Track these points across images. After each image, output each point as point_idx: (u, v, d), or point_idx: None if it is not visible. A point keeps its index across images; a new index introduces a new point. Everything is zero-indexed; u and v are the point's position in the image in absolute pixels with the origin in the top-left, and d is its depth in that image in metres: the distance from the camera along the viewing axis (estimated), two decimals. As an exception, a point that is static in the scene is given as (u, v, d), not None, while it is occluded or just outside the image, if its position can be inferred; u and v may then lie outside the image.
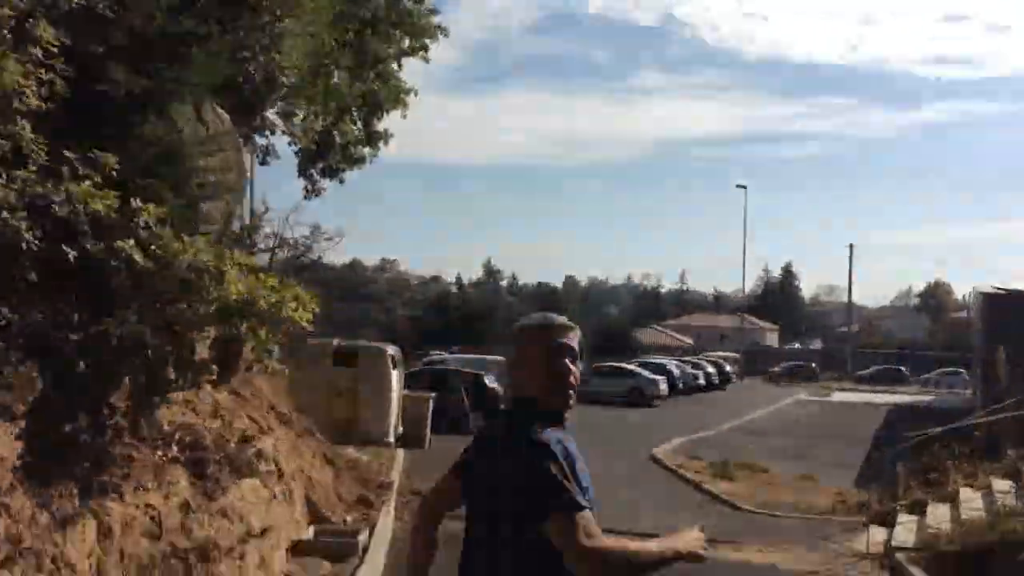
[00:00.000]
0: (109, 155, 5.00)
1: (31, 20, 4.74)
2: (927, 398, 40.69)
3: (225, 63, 7.25)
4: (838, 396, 40.67)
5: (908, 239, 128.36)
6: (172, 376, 5.73)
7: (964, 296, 74.30)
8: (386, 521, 8.84)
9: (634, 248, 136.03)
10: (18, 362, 4.47)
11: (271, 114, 12.73)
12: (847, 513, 11.34)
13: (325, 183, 15.77)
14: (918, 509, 9.99)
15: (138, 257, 4.99)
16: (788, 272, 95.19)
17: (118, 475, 4.37)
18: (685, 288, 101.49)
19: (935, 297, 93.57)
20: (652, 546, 2.21)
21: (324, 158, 15.01)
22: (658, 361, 39.16)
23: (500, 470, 2.29)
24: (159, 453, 4.95)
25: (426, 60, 14.69)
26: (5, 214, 4.27)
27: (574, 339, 2.40)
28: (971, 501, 9.49)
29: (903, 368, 55.60)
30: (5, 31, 4.56)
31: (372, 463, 11.91)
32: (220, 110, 8.28)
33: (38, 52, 4.66)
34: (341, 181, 15.69)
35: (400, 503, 10.02)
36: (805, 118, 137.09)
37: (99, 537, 3.79)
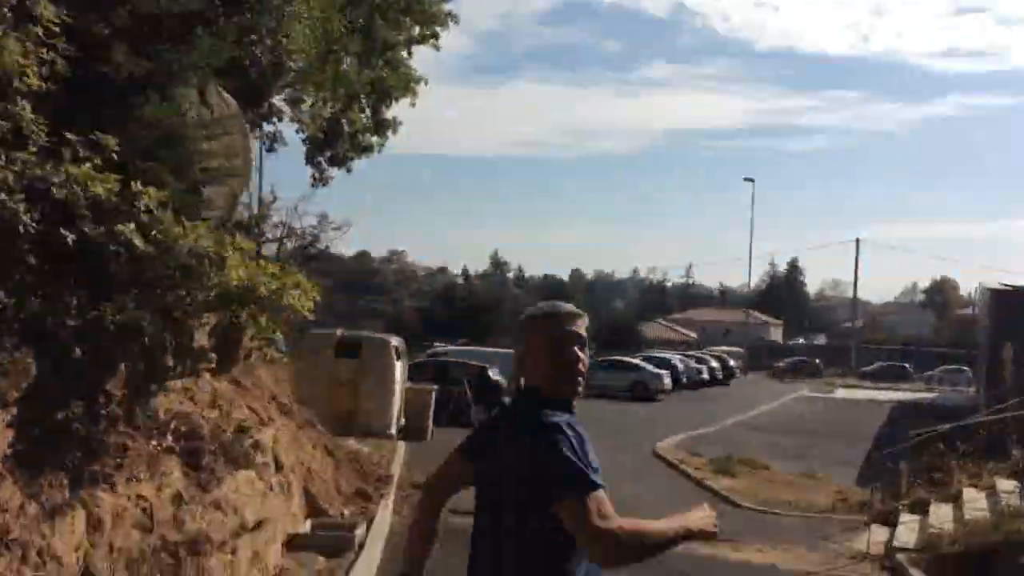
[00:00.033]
0: (109, 137, 4.94)
1: (32, -3, 4.66)
2: (931, 395, 40.58)
3: (230, 45, 7.15)
4: (841, 393, 40.58)
5: (915, 234, 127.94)
6: (170, 364, 5.69)
7: (970, 293, 74.21)
8: (384, 515, 8.77)
9: (641, 241, 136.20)
10: (13, 348, 4.41)
11: (278, 100, 12.64)
12: (848, 512, 11.27)
13: (333, 172, 15.72)
14: (920, 509, 9.91)
15: (138, 241, 4.93)
16: (794, 267, 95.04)
17: (111, 465, 4.32)
18: (691, 282, 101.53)
19: (941, 293, 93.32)
20: (664, 525, 2.21)
21: (332, 146, 14.93)
22: (662, 355, 39.09)
23: (509, 454, 2.29)
24: (154, 442, 4.90)
25: (436, 48, 14.56)
26: (3, 196, 4.20)
27: (582, 326, 2.41)
28: (975, 501, 9.41)
29: (907, 365, 55.44)
30: (5, 9, 4.48)
31: (373, 455, 11.86)
32: (226, 94, 8.17)
33: (39, 31, 4.58)
34: (349, 170, 15.64)
35: (399, 497, 9.96)
36: (814, 111, 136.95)
37: (88, 529, 3.74)
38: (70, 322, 4.65)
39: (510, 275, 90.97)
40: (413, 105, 14.61)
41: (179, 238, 5.32)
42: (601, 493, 2.15)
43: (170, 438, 5.02)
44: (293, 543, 6.82)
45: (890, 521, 9.86)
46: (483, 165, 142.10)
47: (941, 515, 9.36)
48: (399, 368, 16.34)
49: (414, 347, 27.08)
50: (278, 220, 24.49)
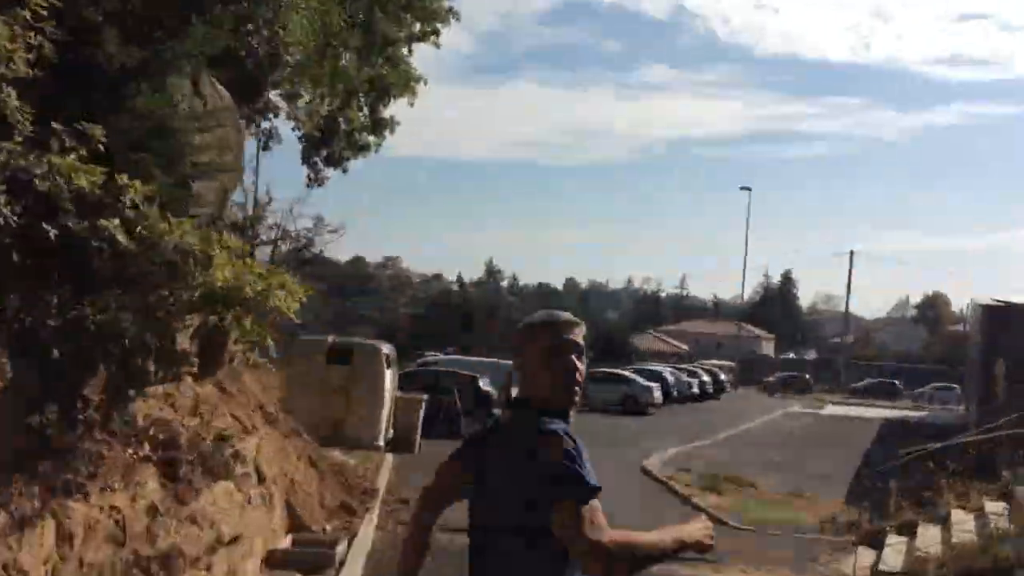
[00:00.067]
0: (96, 127, 4.82)
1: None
2: (920, 413, 40.58)
3: (226, 34, 7.02)
4: (831, 409, 40.55)
5: (910, 246, 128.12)
6: (151, 367, 5.56)
7: (962, 309, 74.33)
8: (367, 530, 8.59)
9: (636, 249, 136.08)
10: (-11, 347, 4.32)
11: (275, 96, 12.53)
12: (836, 531, 11.17)
13: (329, 172, 15.60)
14: (908, 530, 9.83)
15: (121, 237, 4.82)
16: (787, 279, 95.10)
17: (84, 474, 4.22)
18: (685, 293, 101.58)
19: (933, 308, 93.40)
20: (656, 537, 2.18)
21: (328, 145, 14.79)
22: (654, 368, 39.00)
23: (505, 463, 2.27)
24: (130, 451, 4.80)
25: (437, 45, 14.41)
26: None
27: (580, 335, 2.40)
28: (963, 523, 9.33)
29: (897, 382, 55.50)
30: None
31: (359, 468, 11.71)
32: (220, 86, 8.02)
33: (27, 15, 4.45)
34: (345, 170, 15.53)
35: (384, 511, 9.80)
36: (814, 118, 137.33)
37: (58, 542, 3.63)
38: (51, 321, 4.55)
39: (504, 283, 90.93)
40: (412, 104, 14.48)
41: (164, 234, 5.19)
42: (595, 503, 2.13)
43: (147, 446, 4.92)
44: (272, 559, 6.64)
45: (877, 542, 9.77)
46: (481, 168, 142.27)
47: (928, 537, 9.28)
48: (389, 376, 16.18)
49: (406, 355, 26.93)
50: (273, 222, 24.24)
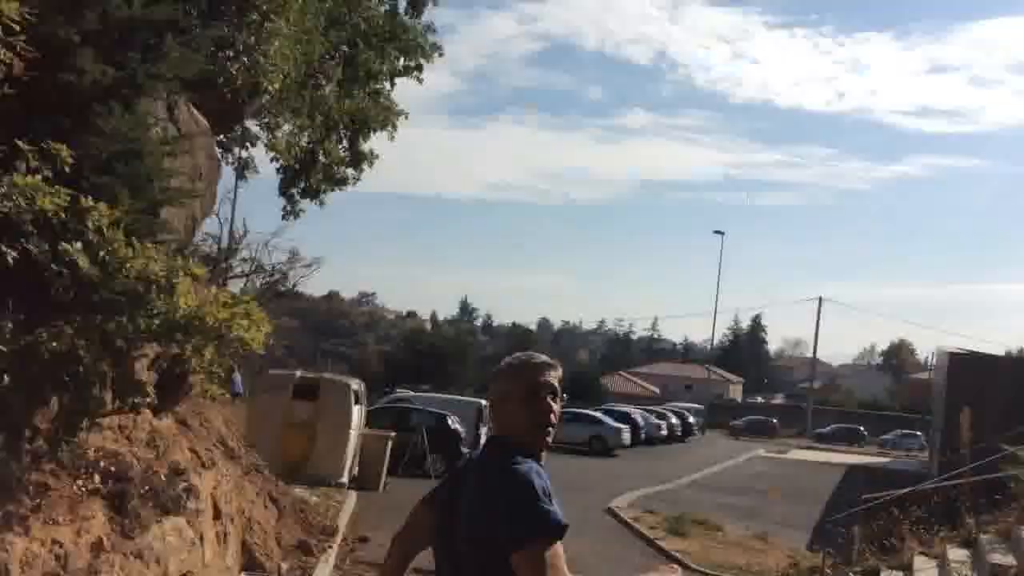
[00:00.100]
0: (63, 147, 4.72)
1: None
2: (884, 460, 40.85)
3: (203, 57, 6.96)
4: (796, 454, 40.72)
5: (876, 295, 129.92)
6: (106, 398, 5.42)
7: (927, 358, 75.29)
8: (324, 570, 8.38)
9: (610, 291, 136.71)
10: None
11: (253, 125, 12.46)
12: (799, 576, 11.16)
13: (305, 203, 15.51)
14: (871, 576, 9.82)
15: (83, 262, 4.72)
16: (757, 324, 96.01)
17: (28, 505, 4.07)
18: (656, 335, 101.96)
19: (898, 356, 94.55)
20: None
21: (306, 177, 14.72)
22: (623, 409, 38.94)
23: (475, 502, 2.28)
24: (79, 482, 4.65)
25: (419, 80, 14.48)
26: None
27: (556, 377, 2.44)
28: (925, 570, 9.33)
29: (862, 428, 55.89)
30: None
31: (320, 505, 11.48)
32: (196, 112, 7.94)
33: None
34: (321, 203, 15.45)
35: (343, 550, 9.60)
36: (786, 166, 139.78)
37: (-7, 577, 3.49)
38: (2, 347, 4.43)
39: (478, 322, 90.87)
40: (392, 139, 14.49)
41: (128, 260, 5.09)
42: (559, 548, 2.14)
43: (97, 479, 4.77)
44: (224, 596, 6.47)
45: (841, 588, 9.73)
46: (459, 207, 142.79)
47: (892, 583, 9.27)
48: (357, 413, 15.95)
49: (377, 392, 26.65)
50: (248, 255, 23.92)
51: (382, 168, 15.23)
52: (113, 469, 5.05)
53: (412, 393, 30.01)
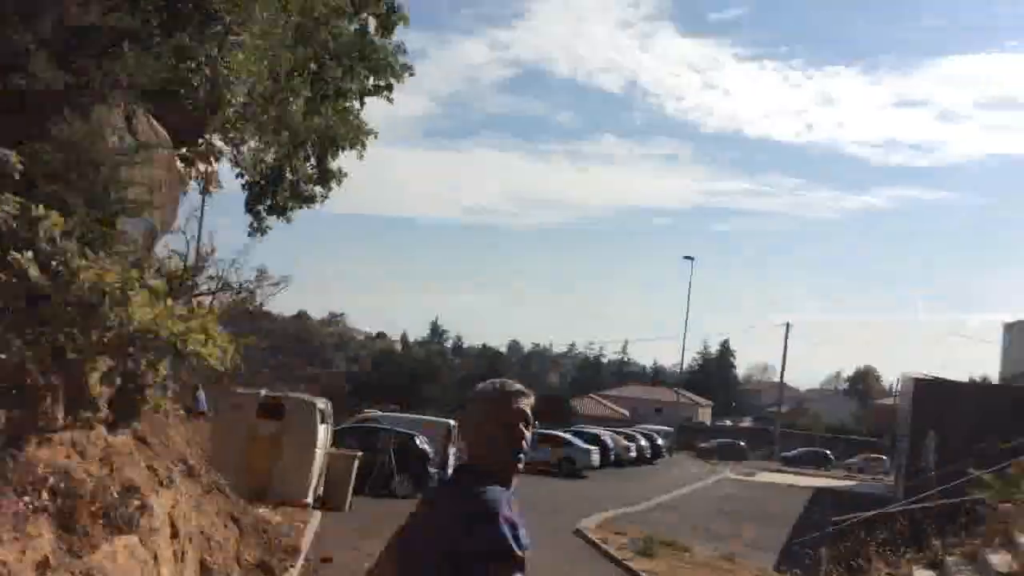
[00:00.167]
0: (12, 152, 4.60)
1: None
2: (851, 482, 41.10)
3: (162, 66, 6.81)
4: (764, 476, 40.85)
5: (843, 321, 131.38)
6: (56, 412, 5.25)
7: (891, 384, 76.21)
8: (286, 589, 8.26)
9: (580, 315, 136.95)
10: None
11: (218, 140, 12.28)
12: (768, 598, 11.11)
13: (272, 221, 15.28)
14: (839, 597, 9.79)
15: (33, 272, 4.58)
16: (725, 349, 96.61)
17: (-30, 524, 3.90)
18: (626, 359, 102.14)
19: (864, 381, 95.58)
20: None
21: (273, 194, 14.52)
22: (593, 431, 38.85)
23: (442, 527, 2.29)
24: (25, 499, 4.47)
25: (390, 100, 14.40)
26: None
27: (528, 405, 2.48)
28: (892, 592, 9.33)
29: (828, 452, 56.29)
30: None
31: (283, 525, 11.24)
32: (156, 123, 7.78)
33: None
34: (288, 220, 15.22)
35: (305, 570, 9.41)
36: (755, 195, 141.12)
37: (-72, 596, 3.32)
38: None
39: (448, 344, 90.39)
40: (361, 157, 14.37)
41: (81, 271, 4.96)
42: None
43: (45, 495, 4.59)
44: (180, 618, 6.27)
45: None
46: (431, 229, 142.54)
47: (859, 605, 9.25)
48: (323, 432, 15.73)
49: (345, 411, 26.30)
50: (214, 272, 23.52)
51: (355, 190, 15.24)
52: (62, 486, 4.86)
53: (380, 413, 29.74)
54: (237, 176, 13.91)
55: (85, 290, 4.93)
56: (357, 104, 14.17)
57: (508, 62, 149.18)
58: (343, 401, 31.57)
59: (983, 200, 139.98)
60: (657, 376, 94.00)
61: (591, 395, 72.23)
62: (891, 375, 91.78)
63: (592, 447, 32.95)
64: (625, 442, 39.24)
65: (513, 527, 2.22)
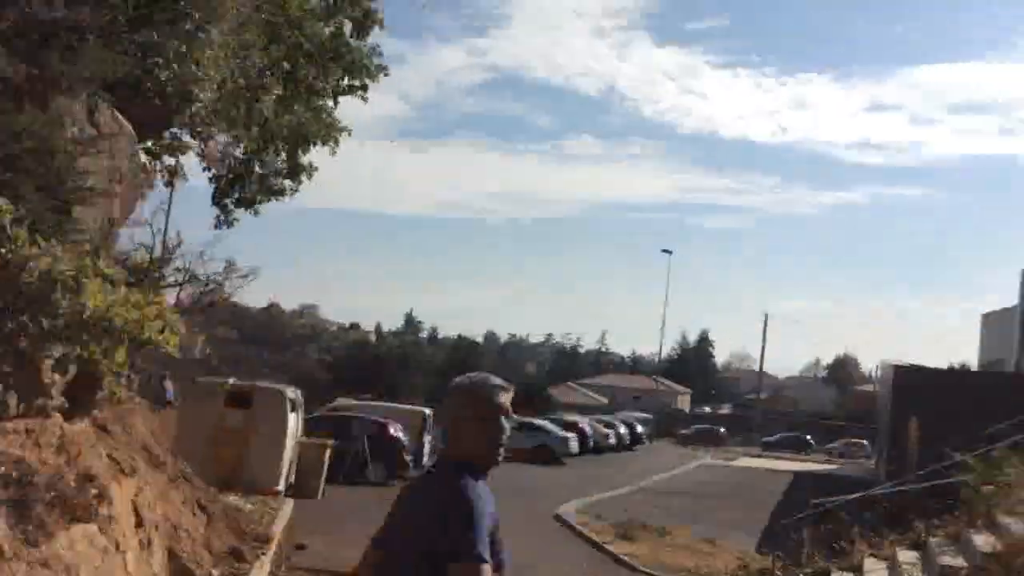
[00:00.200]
0: None
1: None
2: (831, 467, 41.39)
3: (128, 60, 6.63)
4: (744, 461, 41.06)
5: (821, 311, 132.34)
6: (8, 400, 5.07)
7: (871, 372, 76.97)
8: (258, 575, 8.06)
9: (558, 307, 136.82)
10: None
11: (185, 134, 11.98)
12: (749, 580, 11.04)
13: (239, 213, 14.99)
14: (821, 578, 9.73)
15: (-18, 259, 4.36)
16: (704, 339, 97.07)
17: (-89, 513, 3.65)
18: (604, 349, 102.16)
19: (843, 369, 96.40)
20: None
21: (241, 188, 14.24)
22: (571, 419, 38.81)
23: (412, 519, 2.39)
24: (-26, 488, 4.23)
25: (364, 99, 14.21)
26: None
27: (508, 398, 2.53)
28: (875, 571, 9.28)
29: (808, 437, 56.68)
30: None
31: (254, 513, 11.03)
32: (120, 116, 7.58)
33: None
34: (256, 212, 14.94)
35: (278, 557, 9.23)
36: (734, 192, 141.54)
37: None
38: None
39: (423, 335, 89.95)
40: (334, 154, 14.16)
41: (32, 259, 4.80)
42: (487, 568, 2.24)
43: (-4, 484, 4.35)
44: (147, 609, 6.05)
45: (791, 591, 9.62)
46: (407, 224, 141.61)
47: (841, 586, 9.19)
48: (292, 421, 15.50)
49: (318, 401, 26.01)
50: (181, 265, 23.15)
51: (330, 186, 15.08)
52: (15, 475, 4.63)
53: (354, 401, 29.50)
54: (204, 170, 13.63)
55: (36, 278, 4.78)
56: (331, 102, 13.97)
57: (486, 67, 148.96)
58: (316, 390, 31.20)
59: (960, 197, 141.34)
60: (636, 365, 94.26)
61: (569, 383, 72.28)
62: (870, 363, 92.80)
63: (570, 434, 32.88)
64: (604, 429, 39.24)
65: (480, 518, 2.29)
